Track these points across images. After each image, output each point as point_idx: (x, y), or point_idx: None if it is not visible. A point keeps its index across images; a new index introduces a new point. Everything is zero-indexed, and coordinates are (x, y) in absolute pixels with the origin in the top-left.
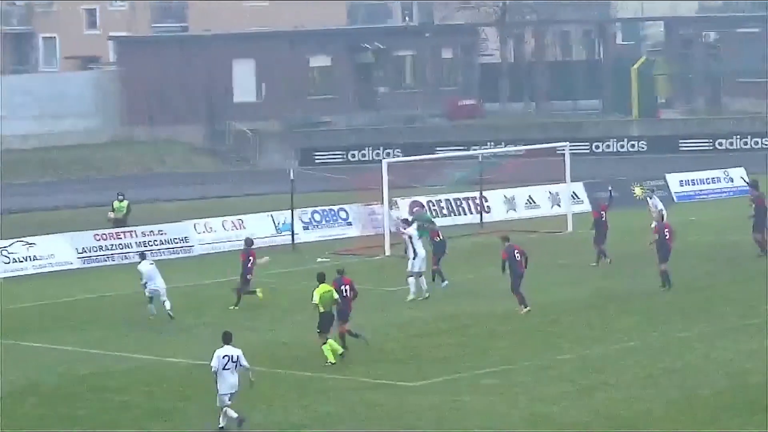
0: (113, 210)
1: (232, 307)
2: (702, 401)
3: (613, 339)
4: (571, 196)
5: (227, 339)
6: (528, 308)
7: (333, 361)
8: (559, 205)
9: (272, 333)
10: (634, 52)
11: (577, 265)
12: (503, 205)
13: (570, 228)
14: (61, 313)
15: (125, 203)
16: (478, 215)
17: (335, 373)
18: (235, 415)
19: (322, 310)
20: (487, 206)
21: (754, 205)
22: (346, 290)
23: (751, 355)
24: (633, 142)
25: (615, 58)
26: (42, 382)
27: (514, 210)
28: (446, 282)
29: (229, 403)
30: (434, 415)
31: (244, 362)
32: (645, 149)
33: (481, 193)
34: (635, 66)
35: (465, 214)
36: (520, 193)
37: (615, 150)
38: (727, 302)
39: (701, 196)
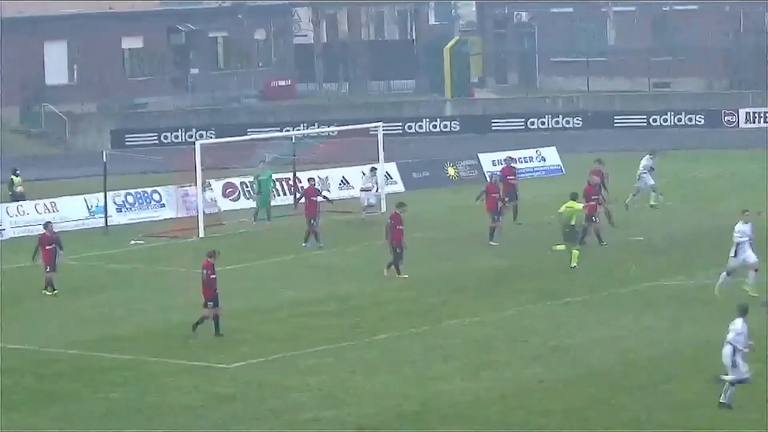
0: (14, 184)
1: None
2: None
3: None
4: (385, 176)
5: None
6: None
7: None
8: None
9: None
10: (447, 32)
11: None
12: (317, 186)
13: (384, 208)
14: None
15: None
16: (292, 196)
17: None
18: None
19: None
20: (301, 187)
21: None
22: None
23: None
24: (446, 122)
25: (428, 38)
26: None
27: (328, 191)
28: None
29: None
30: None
31: None
32: (458, 129)
33: (294, 175)
34: (448, 46)
35: (278, 195)
36: (334, 174)
37: (428, 130)
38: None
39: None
